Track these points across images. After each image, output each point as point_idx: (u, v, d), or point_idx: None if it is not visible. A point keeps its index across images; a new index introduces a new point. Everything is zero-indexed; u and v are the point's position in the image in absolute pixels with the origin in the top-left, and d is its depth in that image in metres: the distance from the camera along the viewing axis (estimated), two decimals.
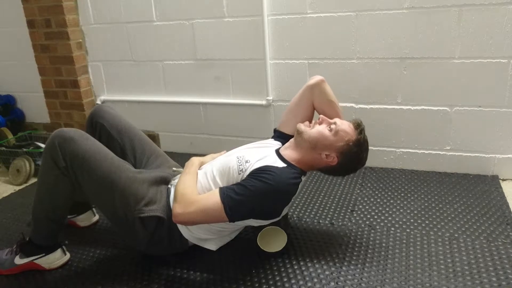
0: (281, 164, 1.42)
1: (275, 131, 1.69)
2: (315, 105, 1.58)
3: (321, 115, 1.49)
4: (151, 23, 2.46)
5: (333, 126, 1.43)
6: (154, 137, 2.69)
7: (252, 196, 1.31)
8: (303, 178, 1.47)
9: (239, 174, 1.39)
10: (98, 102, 2.76)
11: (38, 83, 2.79)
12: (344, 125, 1.43)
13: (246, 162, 1.41)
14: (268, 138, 1.68)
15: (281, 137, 1.62)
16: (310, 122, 1.51)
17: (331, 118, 1.47)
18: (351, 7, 2.03)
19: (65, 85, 2.71)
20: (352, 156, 1.44)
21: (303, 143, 1.45)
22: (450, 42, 1.93)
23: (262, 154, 1.46)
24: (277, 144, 1.59)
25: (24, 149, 2.44)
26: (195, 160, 1.53)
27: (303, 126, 1.47)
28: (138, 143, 1.66)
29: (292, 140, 1.52)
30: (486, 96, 1.96)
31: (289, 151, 1.48)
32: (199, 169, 1.52)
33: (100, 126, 1.64)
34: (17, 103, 3.07)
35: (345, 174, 1.58)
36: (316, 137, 1.43)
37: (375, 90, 2.13)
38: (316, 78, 1.56)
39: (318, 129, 1.44)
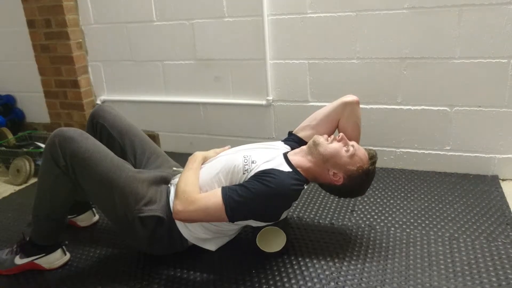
0: (286, 169, 1.41)
1: (290, 134, 1.68)
2: (341, 122, 1.58)
3: (342, 133, 1.49)
4: (151, 23, 2.46)
5: (351, 148, 1.43)
6: (154, 137, 2.69)
7: (254, 198, 1.31)
8: (306, 187, 1.47)
9: (244, 173, 1.39)
10: (98, 102, 2.76)
11: (38, 83, 2.79)
12: (361, 152, 1.45)
13: (253, 162, 1.40)
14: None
15: (296, 141, 1.62)
16: (329, 137, 1.51)
17: (350, 140, 1.47)
18: (351, 7, 2.03)
19: (65, 85, 2.71)
20: (357, 182, 1.45)
21: (316, 155, 1.45)
22: (450, 42, 1.93)
23: (269, 156, 1.46)
24: (284, 147, 1.59)
25: (24, 149, 2.44)
26: (198, 155, 1.53)
27: (322, 139, 1.47)
28: (138, 143, 1.66)
29: (303, 147, 1.52)
30: (486, 96, 1.96)
31: (298, 157, 1.48)
32: (202, 164, 1.52)
33: (100, 126, 1.64)
34: (17, 103, 3.07)
35: (342, 196, 1.60)
36: (331, 153, 1.43)
37: (375, 90, 2.13)
38: (353, 97, 1.56)
39: (335, 146, 1.44)
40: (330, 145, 1.45)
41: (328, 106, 1.61)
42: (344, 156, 1.42)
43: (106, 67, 2.69)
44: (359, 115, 1.58)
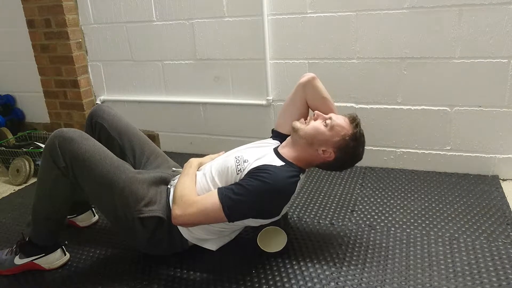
0: (279, 163, 1.41)
1: (273, 131, 1.69)
2: (309, 102, 1.58)
3: (316, 111, 1.49)
4: (151, 23, 2.46)
5: (328, 121, 1.42)
6: (154, 137, 2.69)
7: (250, 195, 1.31)
8: (302, 176, 1.47)
9: (238, 174, 1.39)
10: (98, 102, 2.75)
11: (38, 83, 2.79)
12: (340, 120, 1.43)
13: (245, 162, 1.40)
14: (267, 138, 1.68)
15: (279, 136, 1.62)
16: (306, 119, 1.51)
17: (326, 114, 1.47)
18: (351, 7, 2.03)
19: (65, 85, 2.71)
20: (349, 150, 1.44)
21: (300, 140, 1.45)
22: (450, 42, 1.93)
23: (261, 153, 1.46)
24: (275, 143, 1.59)
25: (24, 149, 2.44)
26: (193, 161, 1.53)
27: (298, 124, 1.47)
28: (137, 143, 1.66)
29: (289, 138, 1.52)
30: (486, 96, 1.96)
31: (287, 149, 1.48)
32: (198, 170, 1.52)
33: (99, 126, 1.64)
34: (17, 103, 3.07)
35: (342, 169, 1.58)
36: (312, 133, 1.43)
37: (375, 90, 2.13)
38: (308, 75, 1.55)
39: (314, 125, 1.44)
40: (308, 126, 1.45)
41: (290, 94, 1.62)
42: (325, 131, 1.41)
43: (106, 67, 2.69)
44: (321, 88, 1.55)
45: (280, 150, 1.50)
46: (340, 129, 1.41)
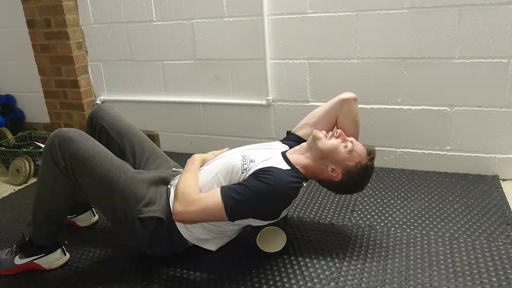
0: (285, 167, 1.42)
1: (289, 133, 1.69)
2: (339, 119, 1.59)
3: (340, 130, 1.50)
4: (151, 23, 2.46)
5: (349, 144, 1.44)
6: (154, 137, 2.69)
7: (253, 196, 1.31)
8: (305, 184, 1.47)
9: (243, 173, 1.39)
10: (98, 102, 2.76)
11: (38, 83, 2.79)
12: (359, 147, 1.45)
13: (251, 161, 1.41)
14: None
15: (295, 140, 1.63)
16: (327, 133, 1.51)
17: (348, 136, 1.48)
18: (351, 7, 2.03)
19: (65, 85, 2.71)
20: (356, 178, 1.46)
21: (315, 150, 1.45)
22: (450, 42, 1.93)
23: (268, 155, 1.46)
24: (283, 147, 1.59)
25: (24, 149, 2.44)
26: (196, 157, 1.53)
27: (321, 134, 1.48)
28: (137, 144, 1.66)
29: (303, 144, 1.53)
30: (486, 96, 1.96)
31: (297, 155, 1.49)
32: (200, 166, 1.52)
33: (99, 126, 1.64)
34: (17, 103, 3.07)
35: (341, 192, 1.61)
36: (330, 148, 1.44)
37: (375, 90, 2.13)
38: (350, 94, 1.58)
39: (334, 142, 1.45)
40: (329, 141, 1.46)
41: (327, 104, 1.62)
42: (343, 152, 1.43)
43: (106, 67, 2.69)
44: (356, 111, 1.59)
45: (288, 154, 1.50)
46: (357, 156, 1.43)
